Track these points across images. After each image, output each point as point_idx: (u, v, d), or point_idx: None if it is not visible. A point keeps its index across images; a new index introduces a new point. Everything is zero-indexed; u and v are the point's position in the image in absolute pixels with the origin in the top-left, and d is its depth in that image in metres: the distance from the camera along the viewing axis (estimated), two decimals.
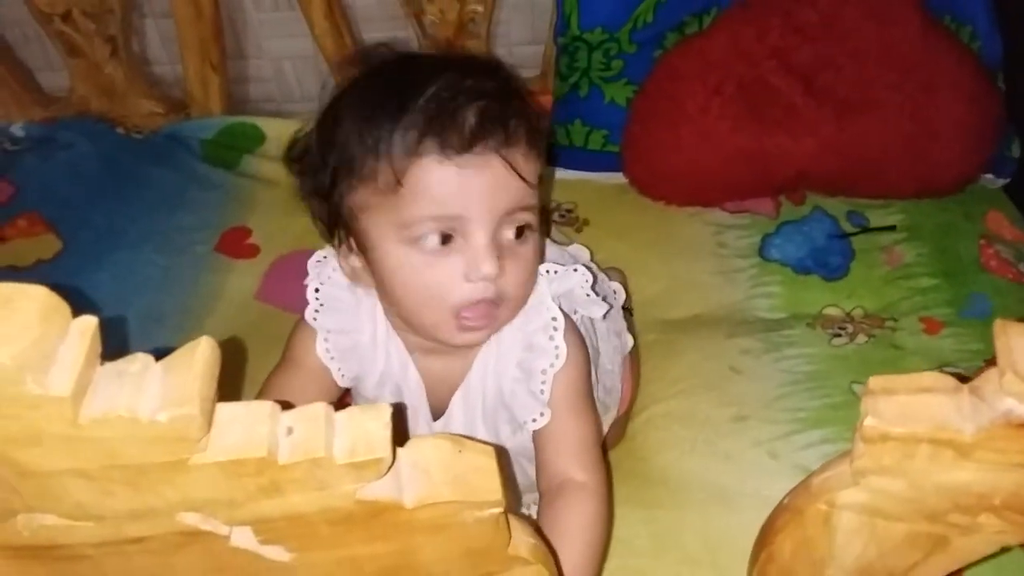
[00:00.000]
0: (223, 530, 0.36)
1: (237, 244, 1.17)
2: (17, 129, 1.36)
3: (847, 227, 1.13)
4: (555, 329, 0.67)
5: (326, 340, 0.71)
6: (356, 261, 0.67)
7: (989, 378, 0.36)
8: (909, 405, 0.37)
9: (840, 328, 1.00)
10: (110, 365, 0.33)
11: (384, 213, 0.61)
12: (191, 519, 0.34)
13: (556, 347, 0.67)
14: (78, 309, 0.34)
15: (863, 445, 0.38)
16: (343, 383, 0.73)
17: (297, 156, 0.67)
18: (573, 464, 0.68)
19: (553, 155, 1.24)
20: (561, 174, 1.24)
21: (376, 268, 0.65)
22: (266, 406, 0.33)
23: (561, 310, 0.69)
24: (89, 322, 0.32)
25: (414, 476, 0.35)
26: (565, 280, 0.70)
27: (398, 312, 0.68)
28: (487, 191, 0.60)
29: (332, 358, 0.71)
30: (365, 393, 0.74)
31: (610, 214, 1.17)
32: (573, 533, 0.64)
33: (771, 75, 1.11)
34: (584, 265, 0.73)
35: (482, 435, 0.71)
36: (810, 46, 1.10)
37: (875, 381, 0.38)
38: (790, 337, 0.99)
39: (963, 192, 1.14)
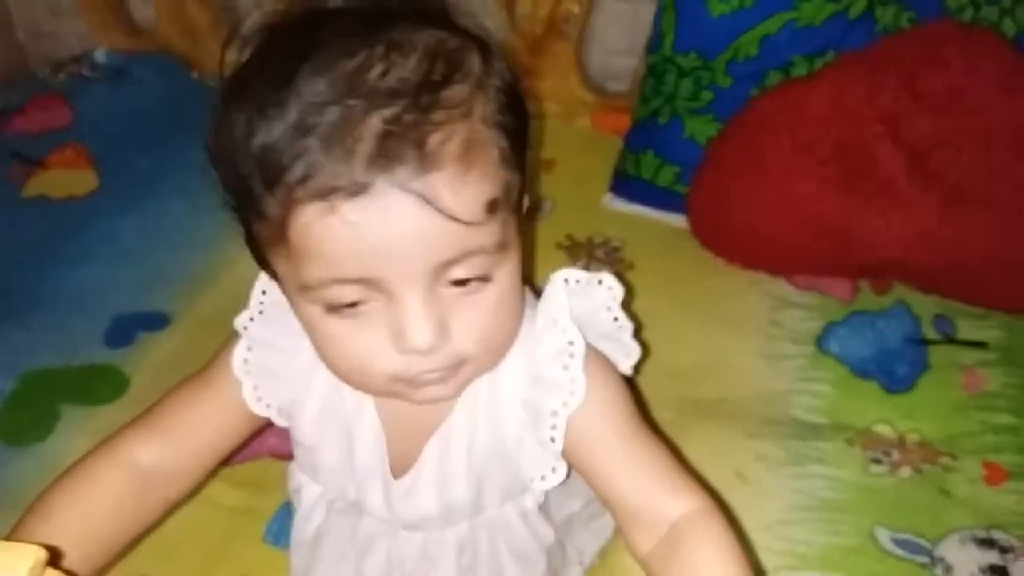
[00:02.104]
0: None
1: None
2: (100, 56, 1.36)
3: (929, 333, 0.96)
4: (571, 356, 0.52)
5: (249, 350, 0.57)
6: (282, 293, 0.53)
7: None
8: None
9: (884, 453, 0.85)
10: None
11: (284, 264, 0.47)
12: None
13: (572, 380, 0.52)
14: None
15: None
16: (261, 410, 0.58)
17: (210, 154, 0.49)
18: (661, 496, 0.53)
19: (616, 184, 1.13)
20: (619, 205, 1.12)
21: (298, 318, 0.51)
22: None
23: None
24: None
25: None
26: (588, 295, 0.55)
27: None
28: (400, 246, 0.43)
29: (248, 372, 0.57)
30: (301, 438, 0.59)
31: (660, 262, 1.05)
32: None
33: (875, 142, 0.95)
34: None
35: (460, 499, 0.57)
36: (929, 118, 0.94)
37: None
38: (821, 451, 0.85)
39: None
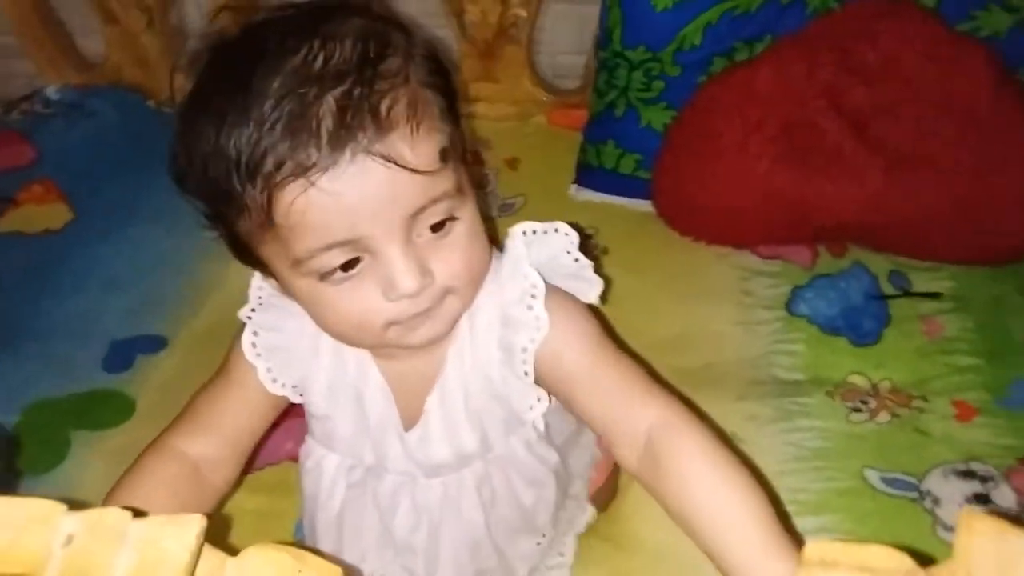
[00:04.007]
0: None
1: None
2: (52, 92, 1.36)
3: (887, 288, 1.03)
4: (533, 297, 0.58)
5: (256, 334, 0.62)
6: (273, 282, 0.58)
7: (948, 572, 0.29)
8: None
9: (862, 402, 0.91)
10: None
11: (273, 247, 0.52)
12: None
13: (536, 318, 0.57)
14: None
15: None
16: (277, 390, 0.62)
17: (178, 175, 0.54)
18: (631, 407, 0.57)
19: (581, 176, 1.18)
20: (587, 195, 1.17)
21: (292, 297, 0.57)
22: (45, 505, 0.28)
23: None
24: None
25: None
26: (547, 243, 0.60)
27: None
28: (376, 203, 0.49)
29: (259, 355, 0.61)
30: (316, 410, 0.64)
31: (632, 245, 1.10)
32: (709, 486, 0.53)
33: (819, 116, 1.02)
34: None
35: (468, 442, 0.62)
36: (865, 89, 1.01)
37: (813, 550, 0.31)
38: (805, 406, 0.91)
39: (1021, 264, 1.03)
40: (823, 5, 1.09)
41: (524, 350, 0.58)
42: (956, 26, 1.02)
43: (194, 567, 0.28)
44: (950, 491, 0.82)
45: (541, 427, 0.64)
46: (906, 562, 0.31)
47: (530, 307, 0.58)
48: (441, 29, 1.28)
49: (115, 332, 0.99)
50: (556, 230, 0.61)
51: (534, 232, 0.60)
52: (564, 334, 0.58)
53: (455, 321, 0.58)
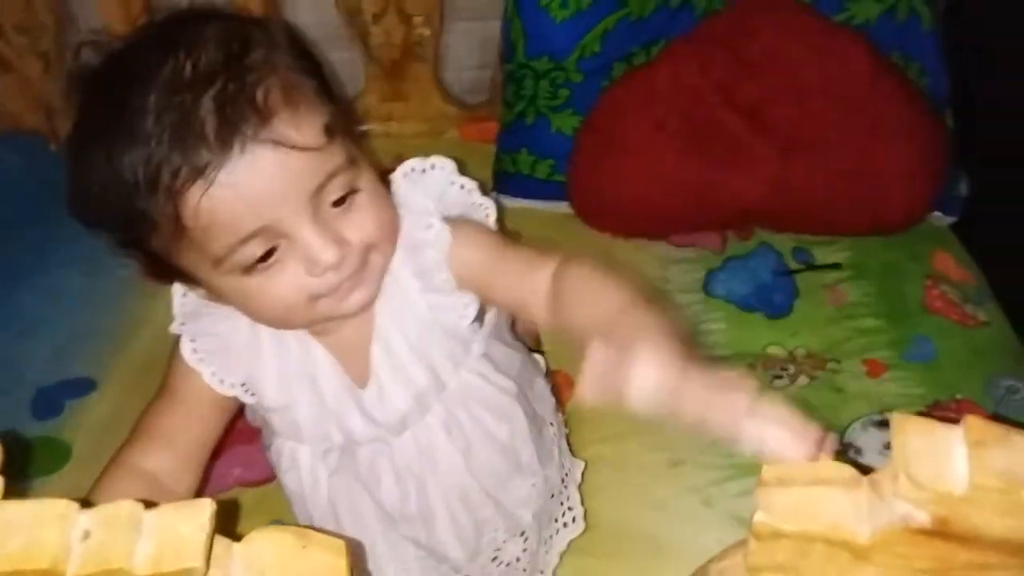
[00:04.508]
0: None
1: None
2: None
3: (792, 264, 1.10)
4: (429, 216, 0.62)
5: (193, 341, 0.63)
6: (200, 290, 0.61)
7: (889, 474, 0.33)
8: (804, 499, 0.34)
9: (782, 369, 0.97)
10: None
11: (191, 254, 0.54)
12: None
13: (436, 233, 0.61)
14: None
15: (755, 542, 0.35)
16: (226, 390, 0.64)
17: (78, 210, 0.56)
18: (539, 269, 0.60)
19: (498, 183, 1.22)
20: (506, 202, 1.20)
21: (220, 298, 0.59)
22: (59, 505, 0.29)
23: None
24: None
25: None
26: (429, 181, 0.64)
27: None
28: (278, 187, 0.52)
29: (201, 360, 0.63)
30: (271, 403, 0.64)
31: (554, 245, 1.14)
32: (592, 289, 0.56)
33: (715, 110, 1.09)
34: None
35: (419, 378, 0.63)
36: (755, 82, 1.08)
37: (769, 471, 0.35)
38: None
39: (910, 231, 1.12)
40: (710, 7, 1.16)
41: (437, 263, 0.61)
42: (832, 17, 1.10)
43: (210, 549, 0.29)
44: (870, 440, 0.88)
45: (482, 345, 0.66)
46: (850, 471, 0.35)
47: (429, 226, 0.61)
48: (347, 52, 1.29)
49: (40, 378, 0.97)
50: (433, 166, 0.64)
51: (413, 169, 0.64)
52: (465, 239, 0.62)
53: (381, 279, 0.61)
